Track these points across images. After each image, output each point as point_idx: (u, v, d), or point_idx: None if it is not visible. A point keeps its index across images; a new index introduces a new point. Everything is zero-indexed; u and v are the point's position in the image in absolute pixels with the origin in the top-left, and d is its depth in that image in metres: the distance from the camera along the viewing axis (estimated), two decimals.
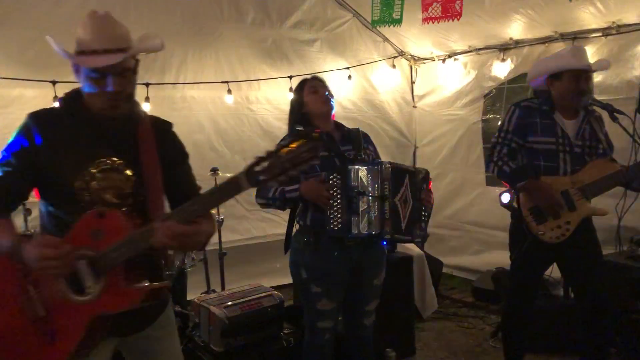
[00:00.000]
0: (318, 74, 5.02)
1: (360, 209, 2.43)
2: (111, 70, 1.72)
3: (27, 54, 3.97)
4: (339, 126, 2.77)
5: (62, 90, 3.87)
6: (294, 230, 2.69)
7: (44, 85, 3.97)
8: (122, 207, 1.82)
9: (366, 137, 2.81)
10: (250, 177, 1.55)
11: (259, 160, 1.55)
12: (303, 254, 2.59)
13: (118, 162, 1.83)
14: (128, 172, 1.84)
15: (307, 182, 2.48)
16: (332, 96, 2.72)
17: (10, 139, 1.81)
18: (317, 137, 1.55)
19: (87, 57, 1.72)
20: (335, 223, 2.43)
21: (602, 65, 3.01)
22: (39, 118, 1.82)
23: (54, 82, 3.96)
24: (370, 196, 2.45)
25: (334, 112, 2.75)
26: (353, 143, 2.69)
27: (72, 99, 1.86)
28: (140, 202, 1.84)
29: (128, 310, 1.73)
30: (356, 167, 2.46)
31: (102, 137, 1.83)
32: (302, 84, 2.76)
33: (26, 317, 1.74)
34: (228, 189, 1.62)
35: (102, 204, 1.78)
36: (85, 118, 1.81)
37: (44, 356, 1.75)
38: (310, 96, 2.68)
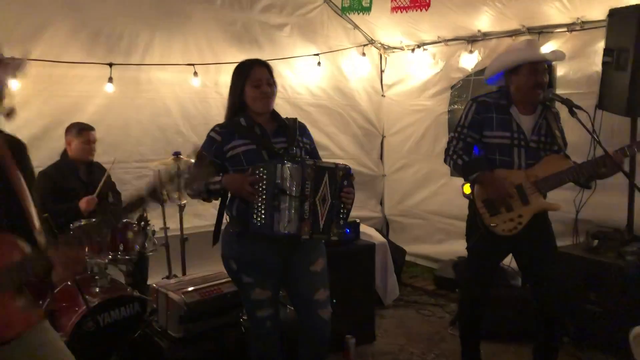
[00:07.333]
0: (286, 59, 5.06)
1: (281, 207, 2.38)
2: None
3: (89, 37, 4.20)
4: (275, 116, 2.67)
5: (117, 72, 4.19)
6: (225, 221, 2.64)
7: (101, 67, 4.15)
8: None
9: (302, 128, 2.71)
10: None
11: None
12: (231, 246, 2.56)
13: None
14: None
15: (230, 175, 2.46)
16: (275, 86, 2.61)
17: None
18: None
19: None
20: (259, 219, 2.38)
21: (558, 55, 3.05)
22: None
23: (110, 64, 4.15)
24: (291, 195, 2.39)
25: (273, 105, 2.63)
26: (287, 135, 2.61)
27: None
28: None
29: None
30: (281, 163, 2.41)
31: None
32: (247, 71, 2.58)
33: None
34: None
35: None
36: None
37: None
38: (252, 91, 2.55)
